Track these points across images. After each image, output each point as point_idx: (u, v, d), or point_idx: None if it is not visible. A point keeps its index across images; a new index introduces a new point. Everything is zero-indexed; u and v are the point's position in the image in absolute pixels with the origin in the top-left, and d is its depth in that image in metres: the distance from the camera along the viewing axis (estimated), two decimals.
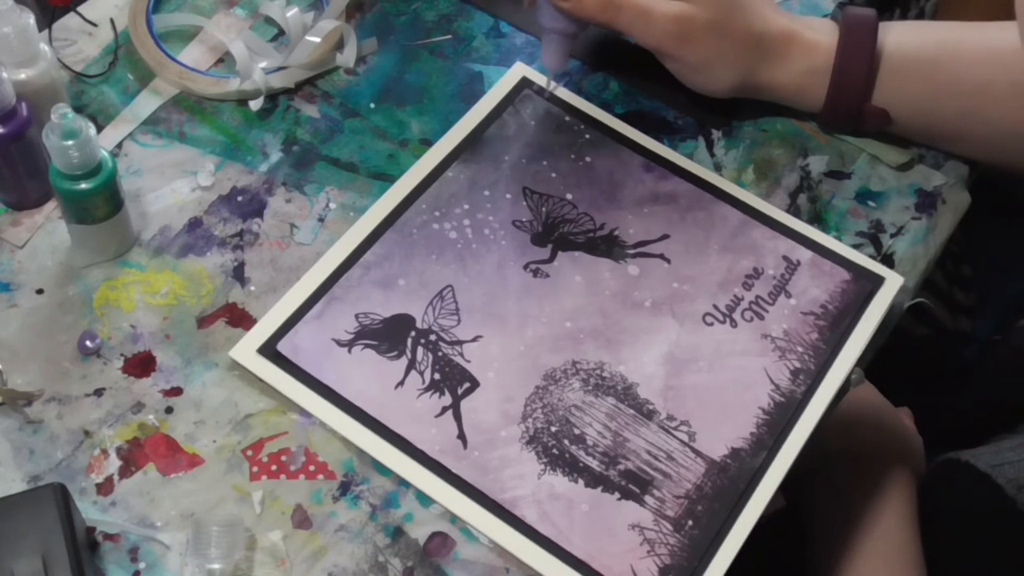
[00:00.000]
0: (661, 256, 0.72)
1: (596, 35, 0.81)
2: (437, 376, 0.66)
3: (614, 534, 0.62)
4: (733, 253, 0.72)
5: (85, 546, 0.58)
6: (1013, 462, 0.77)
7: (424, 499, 0.63)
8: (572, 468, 0.64)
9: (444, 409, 0.65)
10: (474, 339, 0.67)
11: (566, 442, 0.64)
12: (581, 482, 0.63)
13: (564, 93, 0.78)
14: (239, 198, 0.73)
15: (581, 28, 0.73)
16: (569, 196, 0.73)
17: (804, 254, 0.72)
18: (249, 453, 0.63)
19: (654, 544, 0.62)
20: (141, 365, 0.66)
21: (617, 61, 0.80)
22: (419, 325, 0.67)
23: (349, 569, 0.61)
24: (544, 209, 0.73)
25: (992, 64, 0.73)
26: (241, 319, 0.68)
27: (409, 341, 0.67)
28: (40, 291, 0.68)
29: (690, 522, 0.62)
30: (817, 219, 0.75)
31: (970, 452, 0.80)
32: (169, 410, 0.64)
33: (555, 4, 0.71)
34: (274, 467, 0.63)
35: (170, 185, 0.73)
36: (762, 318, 0.70)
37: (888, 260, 0.74)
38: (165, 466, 0.63)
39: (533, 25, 0.81)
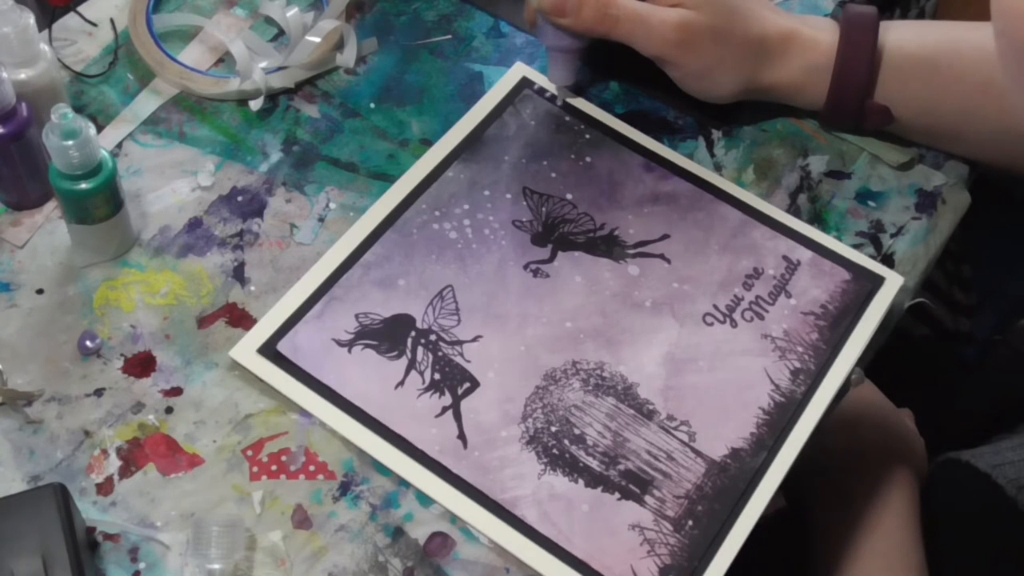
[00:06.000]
0: (661, 256, 0.72)
1: (596, 43, 0.80)
2: (437, 376, 0.66)
3: (614, 534, 0.62)
4: (733, 253, 0.72)
5: (85, 546, 0.58)
6: (1014, 462, 0.77)
7: (424, 499, 0.63)
8: (572, 468, 0.64)
9: (444, 409, 0.65)
10: (474, 339, 0.67)
11: (566, 442, 0.64)
12: (581, 482, 0.63)
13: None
14: (239, 198, 0.73)
15: (585, 42, 0.74)
16: (569, 196, 0.73)
17: (804, 254, 0.72)
18: (249, 453, 0.63)
19: (654, 544, 0.62)
20: (141, 365, 0.66)
21: (619, 65, 0.80)
22: (419, 325, 0.67)
23: (349, 569, 0.61)
24: (544, 209, 0.73)
25: (992, 64, 0.72)
26: (241, 319, 0.68)
27: (409, 341, 0.67)
28: (40, 291, 0.68)
29: (690, 522, 0.62)
30: (817, 219, 0.75)
31: (971, 452, 0.80)
32: (169, 410, 0.64)
33: (553, 22, 0.72)
34: (274, 467, 0.63)
35: (170, 185, 0.73)
36: (762, 318, 0.70)
37: (888, 260, 0.74)
38: (165, 466, 0.63)
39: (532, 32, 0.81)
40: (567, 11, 0.71)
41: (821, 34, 0.75)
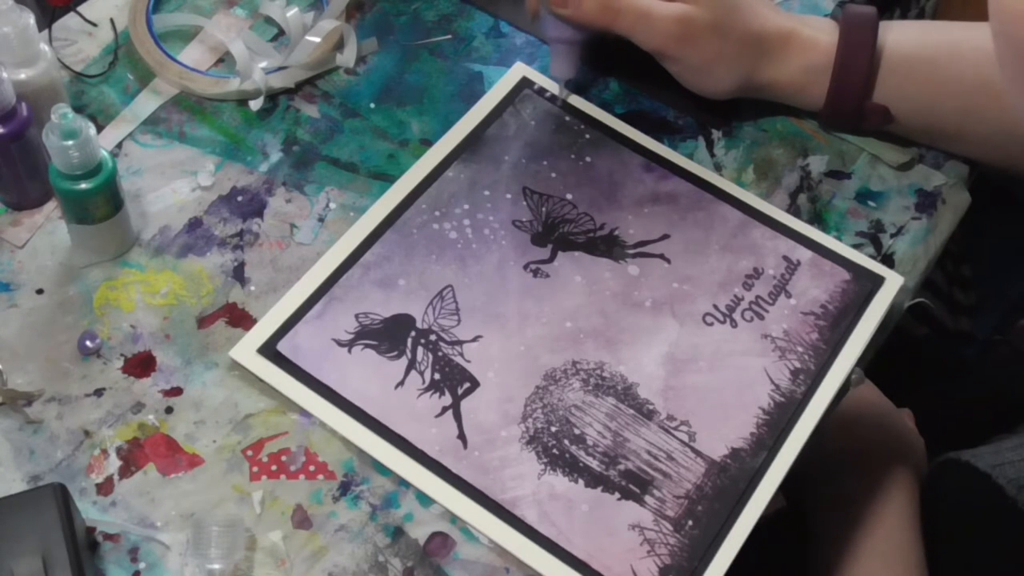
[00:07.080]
0: (661, 256, 0.72)
1: (597, 38, 0.80)
2: (437, 376, 0.66)
3: (614, 534, 0.62)
4: (733, 253, 0.72)
5: (85, 546, 0.58)
6: (1013, 462, 0.77)
7: (424, 499, 0.63)
8: (572, 468, 0.64)
9: (444, 409, 0.65)
10: (474, 339, 0.67)
11: (566, 442, 0.64)
12: (581, 482, 0.63)
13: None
14: (239, 198, 0.73)
15: (586, 35, 0.74)
16: (569, 196, 0.73)
17: (804, 254, 0.72)
18: (249, 453, 0.63)
19: (654, 544, 0.62)
20: (141, 365, 0.66)
21: (618, 62, 0.80)
22: (419, 325, 0.67)
23: (349, 569, 0.61)
24: (544, 209, 0.73)
25: (992, 63, 0.72)
26: (241, 319, 0.68)
27: (409, 341, 0.67)
28: (40, 291, 0.68)
29: (690, 522, 0.62)
30: (817, 219, 0.75)
31: (971, 452, 0.79)
32: (169, 410, 0.64)
33: (555, 12, 0.72)
34: (274, 467, 0.63)
35: (170, 185, 0.73)
36: (762, 318, 0.70)
37: (888, 260, 0.74)
38: (165, 466, 0.63)
39: (533, 26, 0.81)
40: (569, 2, 0.71)
41: (820, 34, 0.75)
